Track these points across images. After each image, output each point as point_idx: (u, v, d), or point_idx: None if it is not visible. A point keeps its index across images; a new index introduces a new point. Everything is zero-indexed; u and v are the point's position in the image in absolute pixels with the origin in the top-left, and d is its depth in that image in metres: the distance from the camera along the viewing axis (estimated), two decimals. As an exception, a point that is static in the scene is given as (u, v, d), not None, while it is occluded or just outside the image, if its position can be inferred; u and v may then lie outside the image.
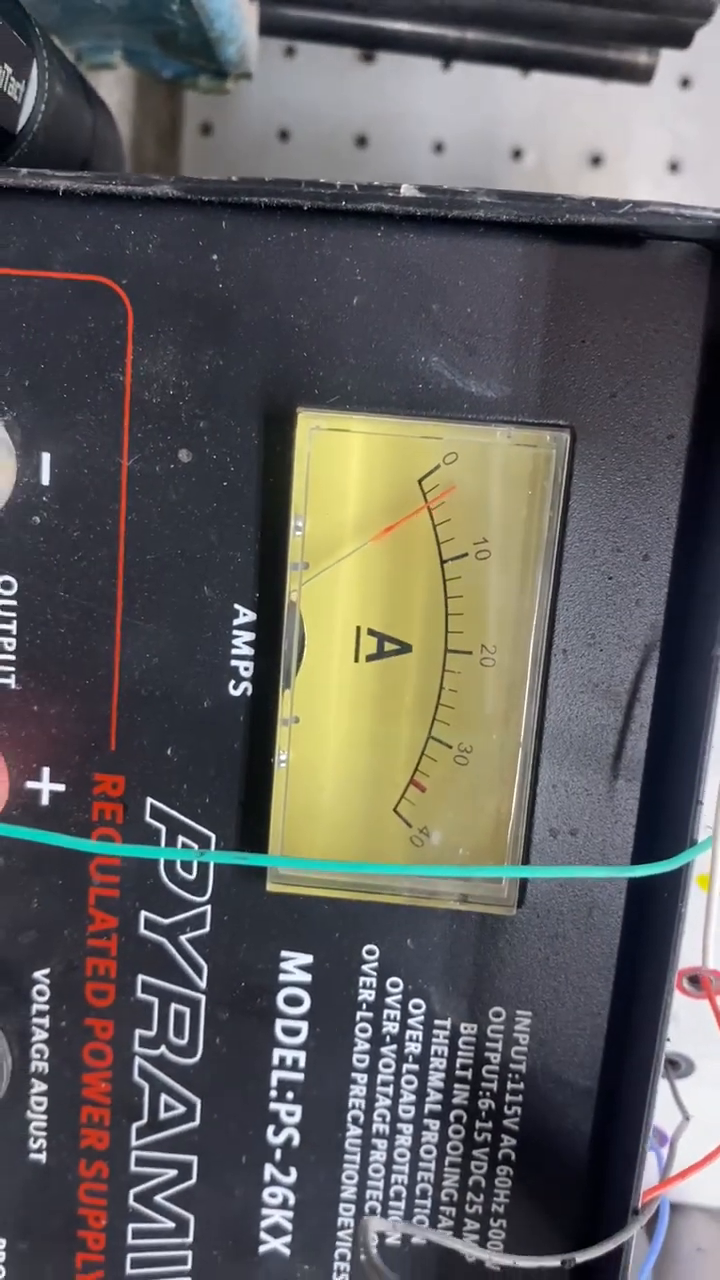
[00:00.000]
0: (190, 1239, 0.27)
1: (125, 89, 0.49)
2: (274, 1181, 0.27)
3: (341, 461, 0.24)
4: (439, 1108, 0.26)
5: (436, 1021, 0.26)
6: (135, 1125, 0.27)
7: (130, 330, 0.23)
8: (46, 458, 0.24)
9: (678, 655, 0.24)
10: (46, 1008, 0.26)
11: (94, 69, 0.40)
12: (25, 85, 0.26)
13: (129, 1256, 0.27)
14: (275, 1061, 0.26)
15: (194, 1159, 0.27)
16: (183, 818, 0.25)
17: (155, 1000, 0.26)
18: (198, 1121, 0.27)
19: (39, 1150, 0.27)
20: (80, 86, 0.31)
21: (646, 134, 0.55)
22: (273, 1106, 0.26)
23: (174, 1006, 0.26)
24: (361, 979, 0.26)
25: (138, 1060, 0.26)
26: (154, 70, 0.39)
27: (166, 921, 0.26)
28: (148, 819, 0.25)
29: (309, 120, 0.56)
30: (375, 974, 0.26)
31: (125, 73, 0.43)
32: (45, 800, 0.25)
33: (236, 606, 0.24)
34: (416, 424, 0.23)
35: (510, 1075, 0.26)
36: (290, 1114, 0.26)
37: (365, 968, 0.26)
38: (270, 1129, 0.27)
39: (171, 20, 0.34)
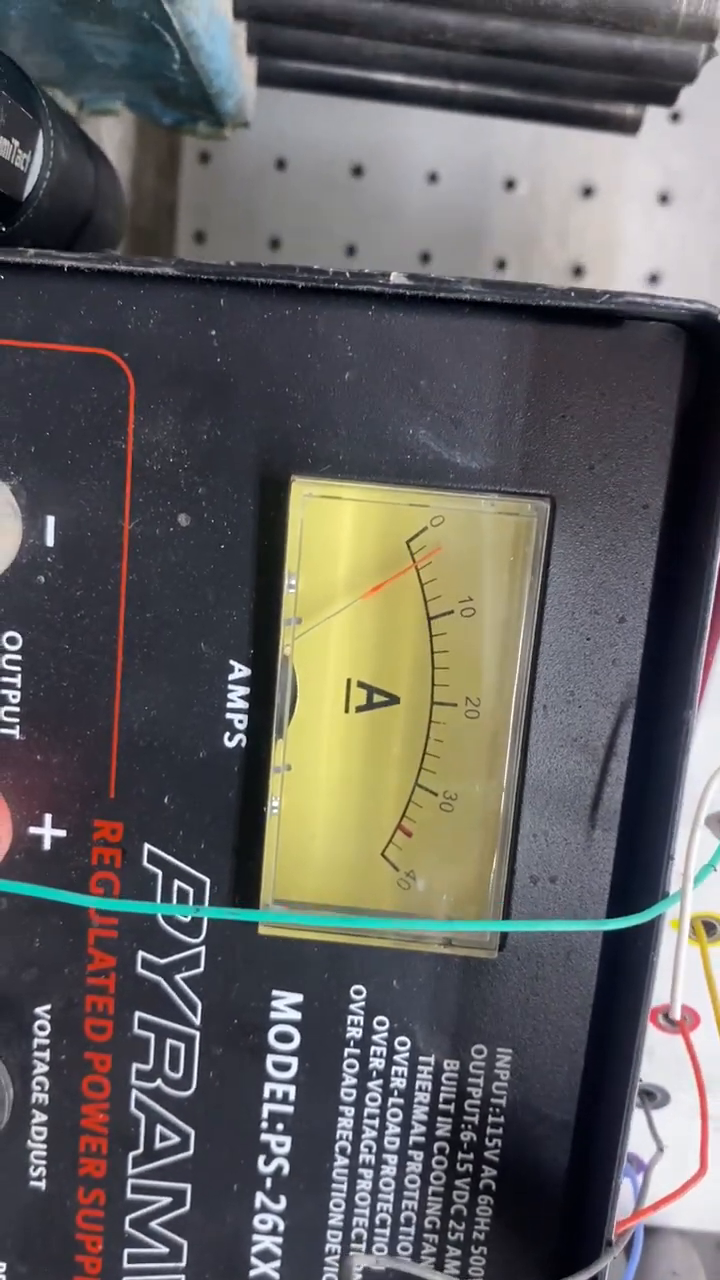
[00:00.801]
0: (183, 1264, 0.28)
1: (126, 127, 0.50)
2: (264, 1209, 0.28)
3: (333, 524, 0.25)
4: (423, 1140, 0.27)
5: (421, 1058, 0.27)
6: (132, 1154, 0.28)
7: (132, 401, 0.24)
8: (51, 520, 0.25)
9: (652, 713, 0.25)
10: (47, 1042, 0.27)
11: (96, 115, 0.41)
12: (31, 155, 0.27)
13: (124, 1280, 0.28)
14: (266, 1095, 0.27)
15: (188, 1187, 0.28)
16: (179, 863, 0.26)
17: (151, 1036, 0.27)
18: (191, 1151, 0.28)
19: (39, 1178, 0.28)
20: (83, 146, 0.32)
21: (637, 166, 0.56)
22: (264, 1137, 0.27)
23: (169, 1042, 0.27)
24: (349, 1017, 0.27)
25: (134, 1092, 0.27)
26: (154, 117, 0.40)
27: (163, 961, 0.27)
28: (145, 864, 0.26)
29: (306, 150, 0.57)
30: (363, 1013, 0.27)
31: (126, 114, 0.44)
32: (47, 845, 0.26)
33: (232, 662, 0.25)
34: (405, 492, 0.24)
35: (491, 1109, 0.27)
36: (280, 1144, 0.28)
37: (353, 1007, 0.27)
38: (261, 1159, 0.28)
39: (172, 77, 0.35)
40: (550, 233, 0.58)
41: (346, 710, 0.26)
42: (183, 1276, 0.28)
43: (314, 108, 0.55)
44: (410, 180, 0.57)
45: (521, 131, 0.55)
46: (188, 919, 0.26)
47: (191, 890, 0.26)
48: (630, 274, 0.57)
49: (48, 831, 0.26)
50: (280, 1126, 0.27)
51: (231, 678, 0.25)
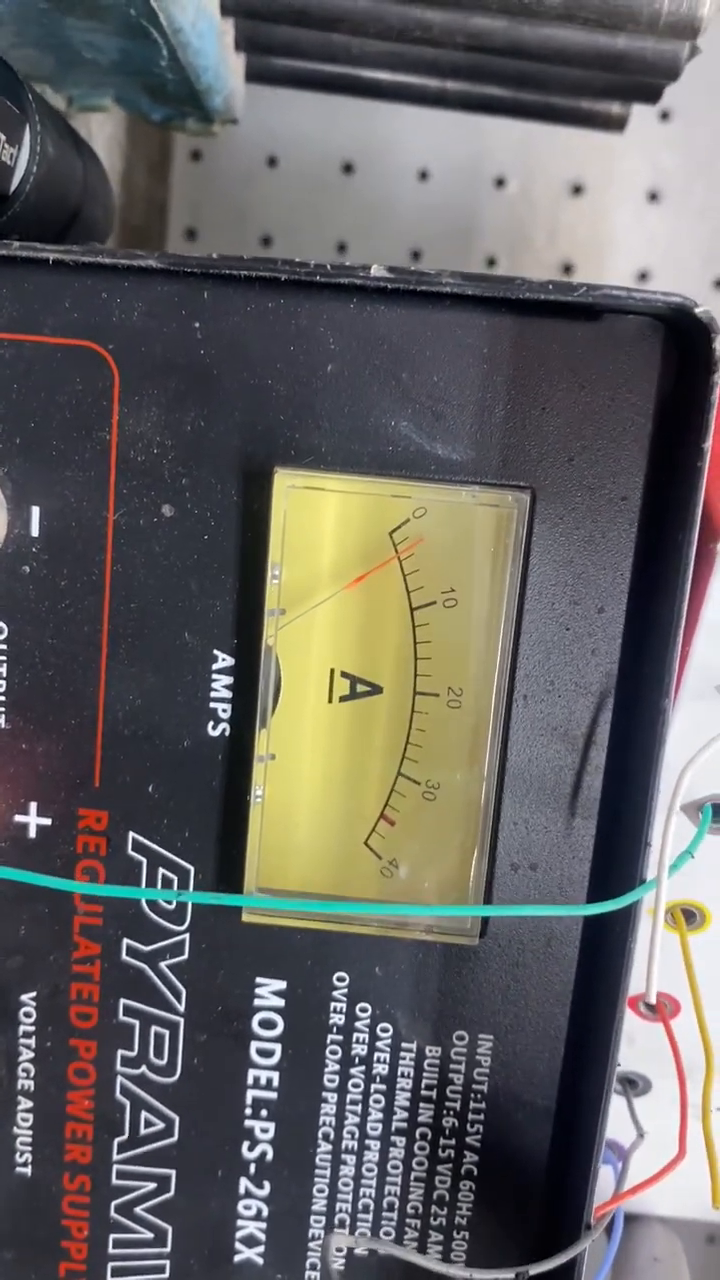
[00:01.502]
0: (168, 1249, 0.29)
1: (117, 124, 0.50)
2: (248, 1194, 0.28)
3: (316, 515, 0.25)
4: (405, 1125, 0.28)
5: (403, 1044, 0.27)
6: (117, 1140, 0.28)
7: (116, 392, 0.25)
8: (36, 511, 0.25)
9: (631, 702, 0.25)
10: (33, 1029, 0.27)
11: (85, 111, 0.41)
12: (18, 149, 0.28)
13: (109, 1265, 0.29)
14: (250, 1081, 0.28)
15: (172, 1173, 0.28)
16: (163, 851, 0.26)
17: (136, 1023, 0.27)
18: (176, 1137, 0.28)
19: (25, 1164, 0.28)
20: (71, 142, 0.32)
21: (627, 164, 0.56)
22: (248, 1123, 0.28)
23: (154, 1029, 0.27)
24: (332, 1004, 0.27)
25: (119, 1079, 0.28)
26: (144, 113, 0.41)
27: (147, 949, 0.27)
28: (129, 852, 0.26)
29: (297, 148, 0.58)
30: (345, 999, 0.27)
31: (117, 111, 0.44)
32: (32, 834, 0.26)
33: (215, 652, 0.26)
34: (387, 483, 0.25)
35: (473, 1095, 0.27)
36: (264, 1130, 0.28)
37: (336, 994, 0.27)
38: (245, 1144, 0.28)
39: (160, 73, 0.35)
40: (540, 230, 0.58)
41: (330, 700, 0.26)
42: (167, 1262, 0.29)
43: (305, 106, 0.55)
44: (401, 178, 0.57)
45: (512, 130, 0.56)
46: (172, 906, 0.27)
47: (176, 878, 0.26)
48: (620, 271, 0.57)
49: (33, 820, 0.26)
50: (264, 1112, 0.28)
51: (215, 667, 0.26)
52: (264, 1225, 0.28)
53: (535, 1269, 0.24)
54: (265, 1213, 0.28)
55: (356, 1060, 0.27)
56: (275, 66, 0.39)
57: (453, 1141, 0.28)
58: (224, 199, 0.59)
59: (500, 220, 0.58)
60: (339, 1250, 0.23)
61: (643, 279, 0.57)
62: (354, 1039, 0.27)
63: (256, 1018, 0.27)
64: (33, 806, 0.26)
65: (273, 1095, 0.28)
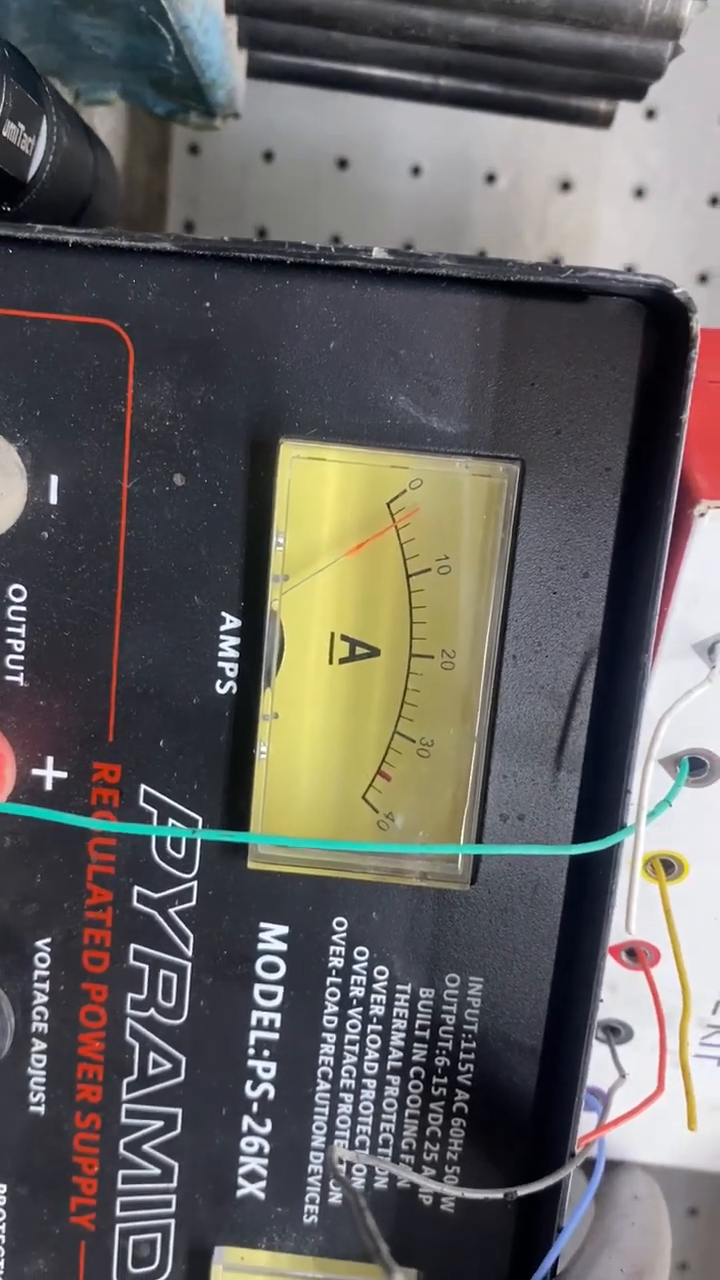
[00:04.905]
0: (174, 1184, 0.30)
1: (119, 117, 0.51)
2: (251, 1132, 0.30)
3: (319, 485, 0.27)
4: (400, 1065, 0.29)
5: (398, 987, 0.29)
6: (126, 1080, 0.29)
7: (131, 368, 0.26)
8: (54, 480, 0.27)
9: (613, 661, 0.27)
10: (47, 973, 0.29)
11: (91, 104, 0.43)
12: (36, 139, 0.29)
13: (118, 1200, 0.30)
14: (253, 1022, 0.29)
15: (179, 1111, 0.30)
16: (173, 802, 0.28)
17: (146, 967, 0.29)
18: (183, 1077, 0.29)
19: (38, 1103, 0.30)
20: (83, 133, 0.34)
21: (614, 161, 0.58)
22: (250, 1063, 0.29)
23: (163, 973, 0.29)
24: (332, 948, 0.29)
25: (129, 1021, 0.29)
26: (148, 107, 0.42)
27: (157, 896, 0.28)
28: (141, 803, 0.28)
29: (292, 142, 0.59)
30: (344, 944, 0.28)
31: (120, 104, 0.45)
32: (49, 786, 0.28)
33: (223, 614, 0.27)
34: (385, 455, 0.26)
35: (464, 1035, 0.29)
36: (266, 1070, 0.29)
37: (335, 938, 0.28)
38: (248, 1084, 0.29)
39: (166, 68, 0.37)
40: (529, 225, 0.60)
41: (330, 662, 0.28)
42: (174, 1196, 0.30)
43: (301, 102, 0.57)
44: (394, 173, 0.59)
45: (502, 126, 0.57)
46: (181, 855, 0.28)
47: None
48: (606, 266, 0.59)
49: (49, 773, 0.28)
50: (266, 1053, 0.29)
51: (223, 629, 0.27)
52: (265, 1161, 0.30)
53: (523, 1190, 0.26)
54: (267, 1149, 0.30)
55: (354, 1002, 0.29)
56: (275, 63, 0.41)
57: (445, 1080, 0.29)
58: (221, 192, 0.60)
59: (490, 215, 0.60)
60: (340, 1162, 0.24)
61: (628, 274, 0.59)
62: (352, 981, 0.29)
63: (260, 961, 0.29)
64: (49, 760, 0.28)
65: (274, 1036, 0.29)
